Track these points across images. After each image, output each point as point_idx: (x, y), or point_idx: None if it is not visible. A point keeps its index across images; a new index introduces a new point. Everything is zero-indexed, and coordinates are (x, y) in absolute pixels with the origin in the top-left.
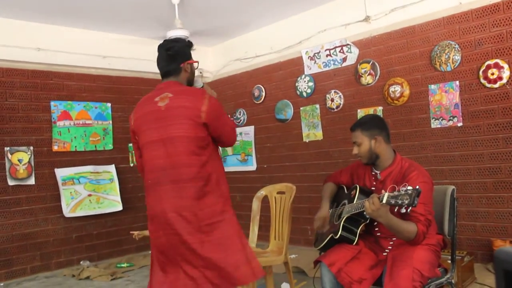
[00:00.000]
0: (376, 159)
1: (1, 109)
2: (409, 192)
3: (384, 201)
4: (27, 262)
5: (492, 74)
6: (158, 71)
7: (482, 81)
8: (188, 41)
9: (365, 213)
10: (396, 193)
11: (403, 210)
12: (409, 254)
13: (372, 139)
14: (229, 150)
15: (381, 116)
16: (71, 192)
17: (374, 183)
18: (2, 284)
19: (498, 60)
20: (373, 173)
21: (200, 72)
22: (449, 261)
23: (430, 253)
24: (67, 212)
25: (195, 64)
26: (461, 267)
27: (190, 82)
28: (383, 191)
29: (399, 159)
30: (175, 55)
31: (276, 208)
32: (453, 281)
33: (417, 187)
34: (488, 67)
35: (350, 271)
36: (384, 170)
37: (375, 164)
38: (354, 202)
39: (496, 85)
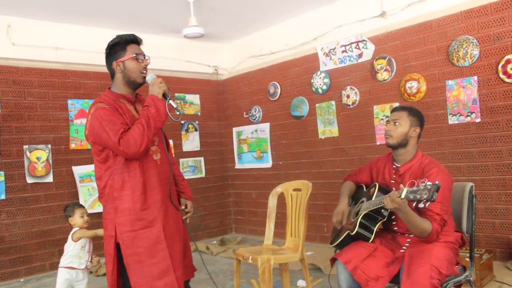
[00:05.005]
0: (402, 148)
1: (20, 108)
2: (428, 187)
3: (403, 196)
4: (46, 258)
5: (511, 68)
6: (171, 68)
7: (501, 76)
8: (117, 36)
9: (384, 207)
10: (415, 188)
11: (421, 205)
12: (427, 251)
13: (412, 127)
14: (244, 147)
15: None
16: (88, 189)
17: (394, 176)
18: (22, 280)
19: None
20: (394, 166)
21: (142, 62)
22: (468, 259)
23: (448, 251)
24: None
25: (140, 59)
26: (479, 265)
27: (132, 80)
28: (401, 185)
29: (420, 155)
30: (106, 56)
31: (292, 205)
32: (471, 279)
33: (437, 182)
34: (508, 61)
35: (366, 268)
36: (405, 164)
37: (397, 154)
38: (373, 199)
39: None
